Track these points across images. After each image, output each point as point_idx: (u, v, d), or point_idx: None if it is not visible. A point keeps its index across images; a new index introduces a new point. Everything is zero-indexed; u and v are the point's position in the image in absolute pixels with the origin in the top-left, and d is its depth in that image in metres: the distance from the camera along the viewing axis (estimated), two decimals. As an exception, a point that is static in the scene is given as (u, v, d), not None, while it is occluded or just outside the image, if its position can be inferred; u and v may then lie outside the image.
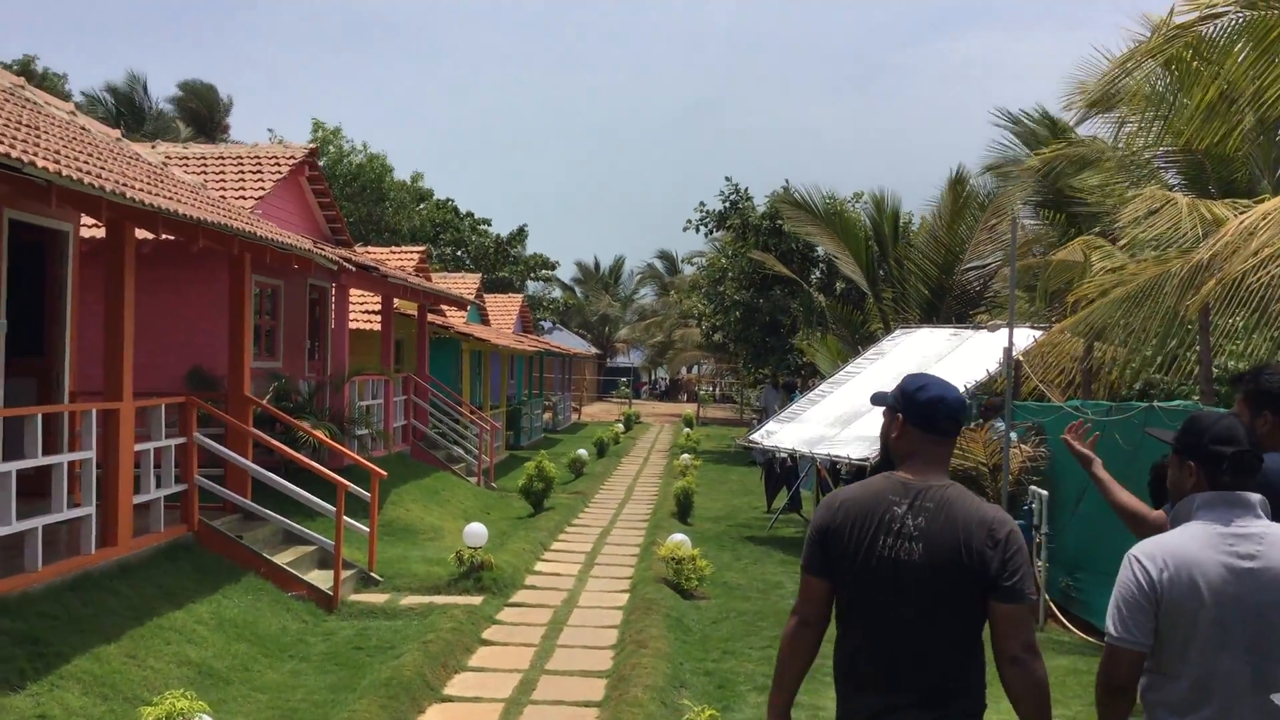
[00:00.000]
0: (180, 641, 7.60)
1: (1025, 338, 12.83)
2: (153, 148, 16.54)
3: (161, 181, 9.51)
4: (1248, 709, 3.00)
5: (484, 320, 32.22)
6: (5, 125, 7.27)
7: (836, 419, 13.77)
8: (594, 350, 61.27)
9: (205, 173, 15.37)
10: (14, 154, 5.79)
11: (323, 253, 11.25)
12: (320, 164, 38.87)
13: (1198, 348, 9.20)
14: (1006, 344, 10.50)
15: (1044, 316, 15.12)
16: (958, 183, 19.13)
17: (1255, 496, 3.19)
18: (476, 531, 10.80)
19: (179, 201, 8.20)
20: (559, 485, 18.80)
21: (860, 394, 14.27)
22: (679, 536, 11.21)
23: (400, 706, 6.85)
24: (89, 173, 6.91)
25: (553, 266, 55.58)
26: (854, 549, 3.03)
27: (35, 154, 6.43)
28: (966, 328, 15.46)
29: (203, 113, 44.99)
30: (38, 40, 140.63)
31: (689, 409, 46.65)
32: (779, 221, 24.12)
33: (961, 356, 13.83)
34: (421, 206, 46.43)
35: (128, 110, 42.32)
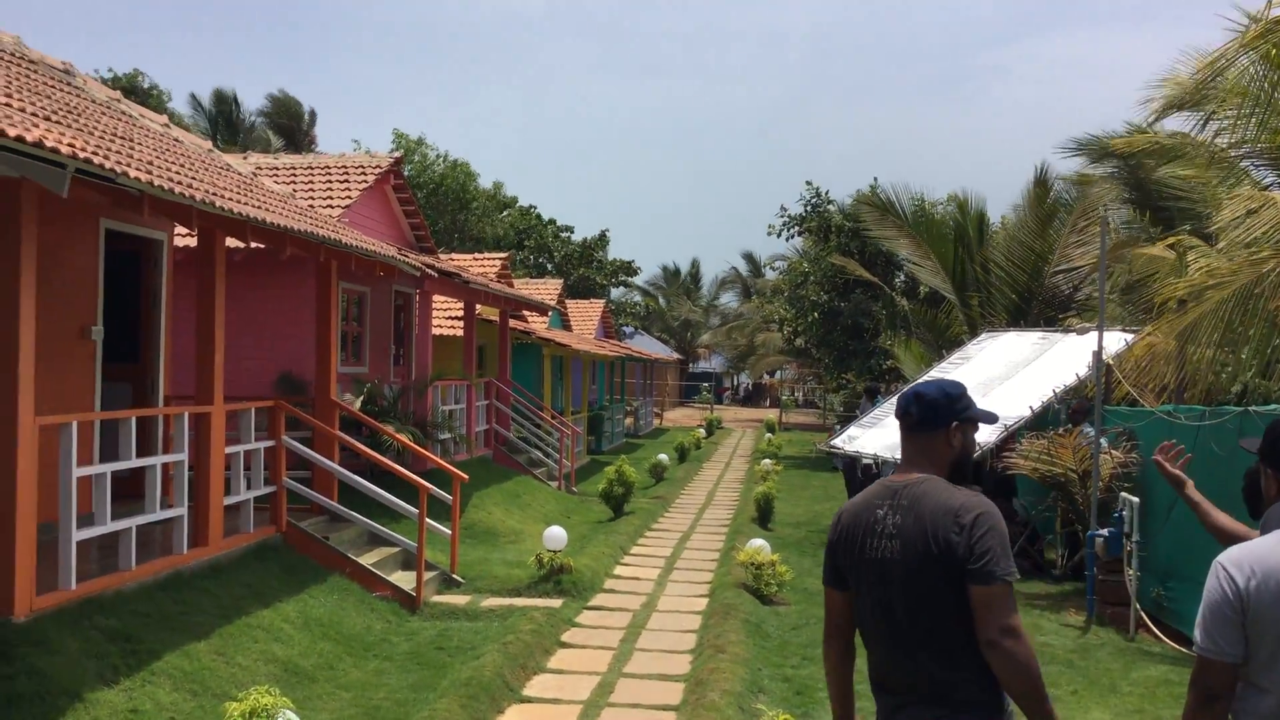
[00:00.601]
0: (267, 640, 7.77)
1: (1117, 341, 12.53)
2: (244, 158, 16.99)
3: (251, 191, 9.74)
4: None
5: (566, 326, 32.44)
6: (102, 137, 7.52)
7: (920, 424, 13.56)
8: (676, 355, 61.29)
9: (294, 182, 15.72)
10: (108, 164, 5.98)
11: (406, 259, 11.42)
12: (407, 173, 39.53)
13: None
14: (1096, 347, 10.25)
15: (1136, 319, 14.74)
16: (1041, 183, 18.76)
17: None
18: (556, 535, 10.87)
19: (267, 210, 8.39)
20: (639, 490, 18.83)
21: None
22: (758, 542, 11.15)
23: (480, 706, 6.91)
24: (180, 182, 7.11)
25: (634, 271, 55.74)
26: (852, 556, 3.17)
27: (129, 164, 6.63)
28: (1055, 331, 15.14)
29: (289, 125, 46.10)
30: (137, 55, 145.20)
31: (771, 414, 46.37)
32: (860, 223, 23.86)
33: (1050, 360, 13.54)
34: (505, 214, 46.91)
35: (223, 123, 43.57)
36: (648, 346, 57.46)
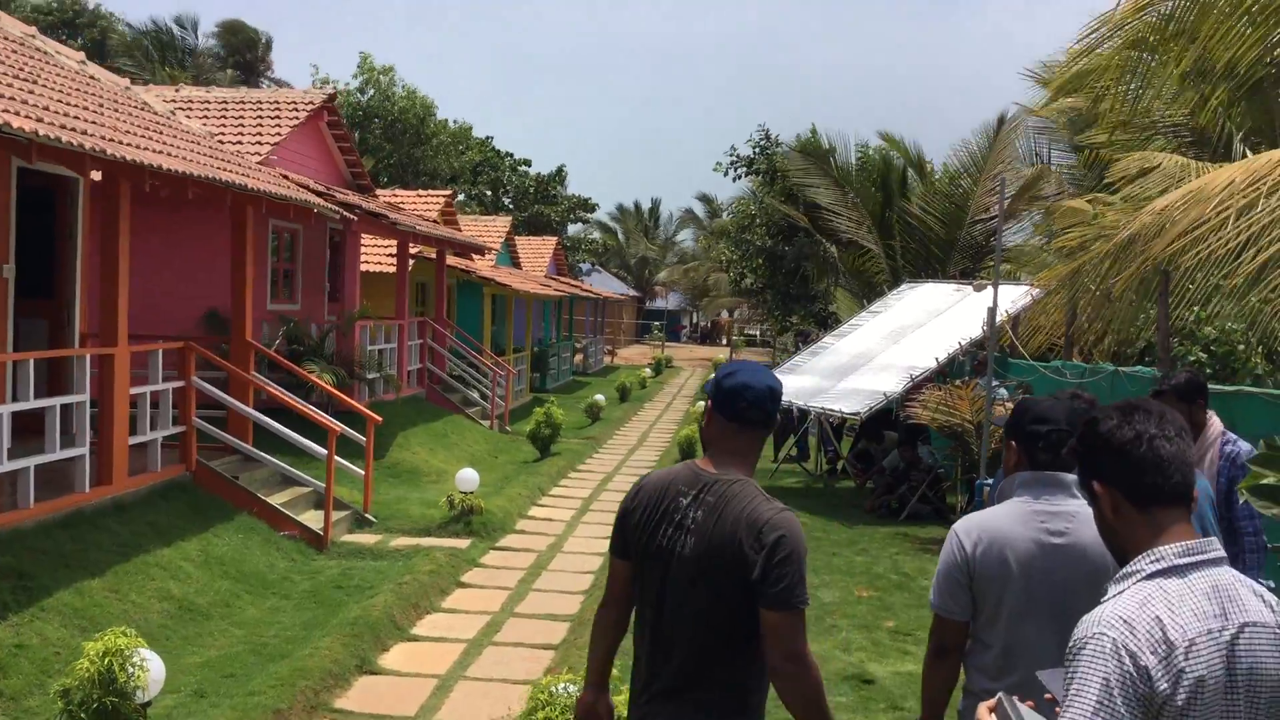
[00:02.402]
0: (164, 577, 8.00)
1: (1024, 294, 12.86)
2: (176, 91, 16.88)
3: (161, 132, 9.79)
4: None
5: (515, 263, 32.49)
6: (1, 77, 7.58)
7: (833, 371, 13.91)
8: (631, 293, 61.42)
9: (225, 118, 15.66)
10: (-13, 115, 6.05)
11: (319, 202, 11.50)
12: (365, 101, 38.83)
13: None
14: (990, 303, 10.57)
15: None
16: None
17: (1070, 476, 3.38)
18: (468, 477, 11.13)
19: (168, 155, 8.47)
20: (573, 430, 19.18)
21: (860, 347, 14.41)
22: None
23: (363, 645, 7.20)
24: (74, 129, 7.18)
25: (591, 208, 55.64)
26: (641, 534, 3.05)
27: (17, 111, 6.71)
28: (969, 282, 15.47)
29: (243, 53, 45.41)
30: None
31: (723, 354, 46.74)
32: (788, 172, 23.94)
33: (962, 311, 13.88)
34: (463, 149, 46.40)
35: (170, 49, 42.75)
36: (605, 284, 57.54)
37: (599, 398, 22.47)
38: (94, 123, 7.98)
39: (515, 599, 8.85)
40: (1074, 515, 3.28)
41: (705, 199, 67.54)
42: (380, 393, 15.56)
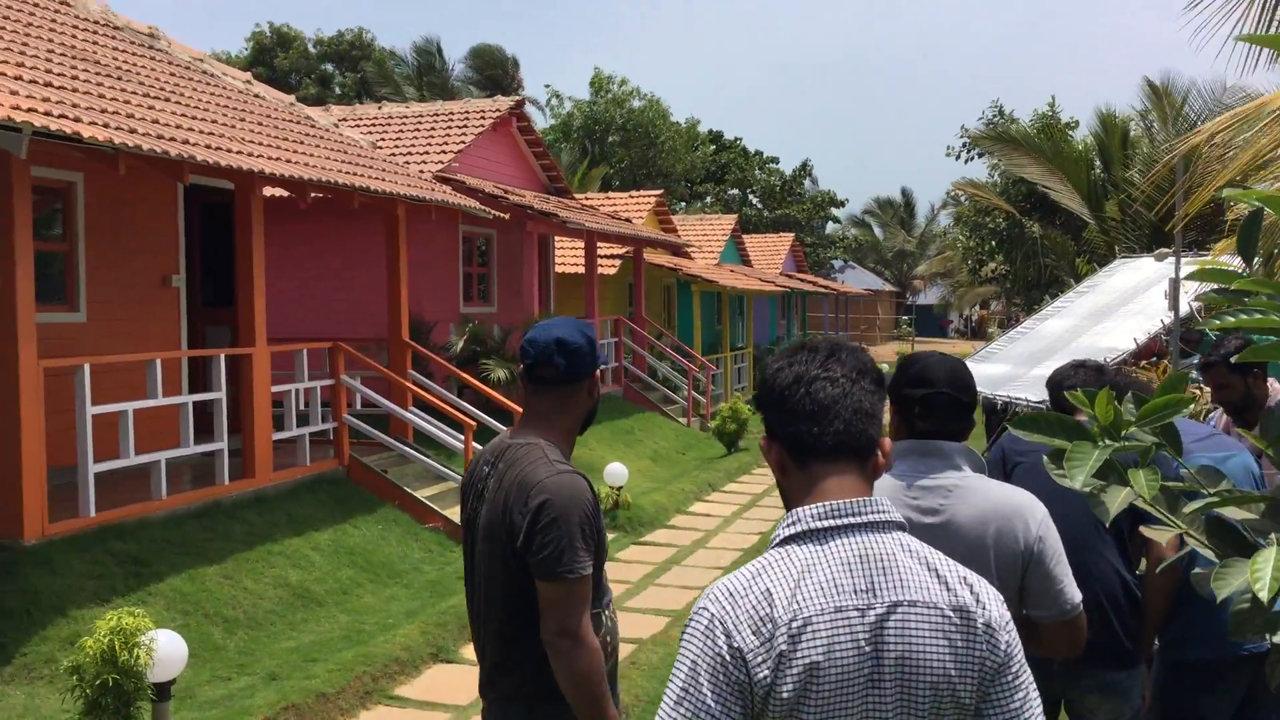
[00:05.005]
0: (285, 565, 8.29)
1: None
2: (379, 109, 17.76)
3: (303, 142, 10.23)
4: None
5: (745, 261, 32.23)
6: (120, 100, 8.12)
7: (1027, 357, 12.83)
8: (888, 288, 59.74)
9: (418, 131, 16.32)
10: (68, 128, 6.43)
11: (466, 201, 11.69)
12: (598, 112, 39.75)
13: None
14: (1172, 275, 9.43)
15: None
16: (1160, 93, 17.12)
17: (955, 445, 2.89)
18: (616, 471, 11.02)
19: (286, 162, 8.80)
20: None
21: (1059, 329, 13.28)
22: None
23: (443, 635, 7.19)
24: (172, 139, 7.56)
25: (840, 204, 54.62)
26: (463, 509, 2.98)
27: (107, 123, 7.13)
28: (1192, 255, 13.92)
29: (494, 74, 47.51)
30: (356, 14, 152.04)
31: (973, 348, 44.63)
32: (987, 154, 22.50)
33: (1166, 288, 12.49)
34: (697, 149, 46.66)
35: (429, 72, 45.35)
36: (860, 280, 56.36)
37: (812, 393, 21.78)
38: (210, 134, 8.40)
39: (630, 594, 8.62)
40: (950, 490, 2.83)
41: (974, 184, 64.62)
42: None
